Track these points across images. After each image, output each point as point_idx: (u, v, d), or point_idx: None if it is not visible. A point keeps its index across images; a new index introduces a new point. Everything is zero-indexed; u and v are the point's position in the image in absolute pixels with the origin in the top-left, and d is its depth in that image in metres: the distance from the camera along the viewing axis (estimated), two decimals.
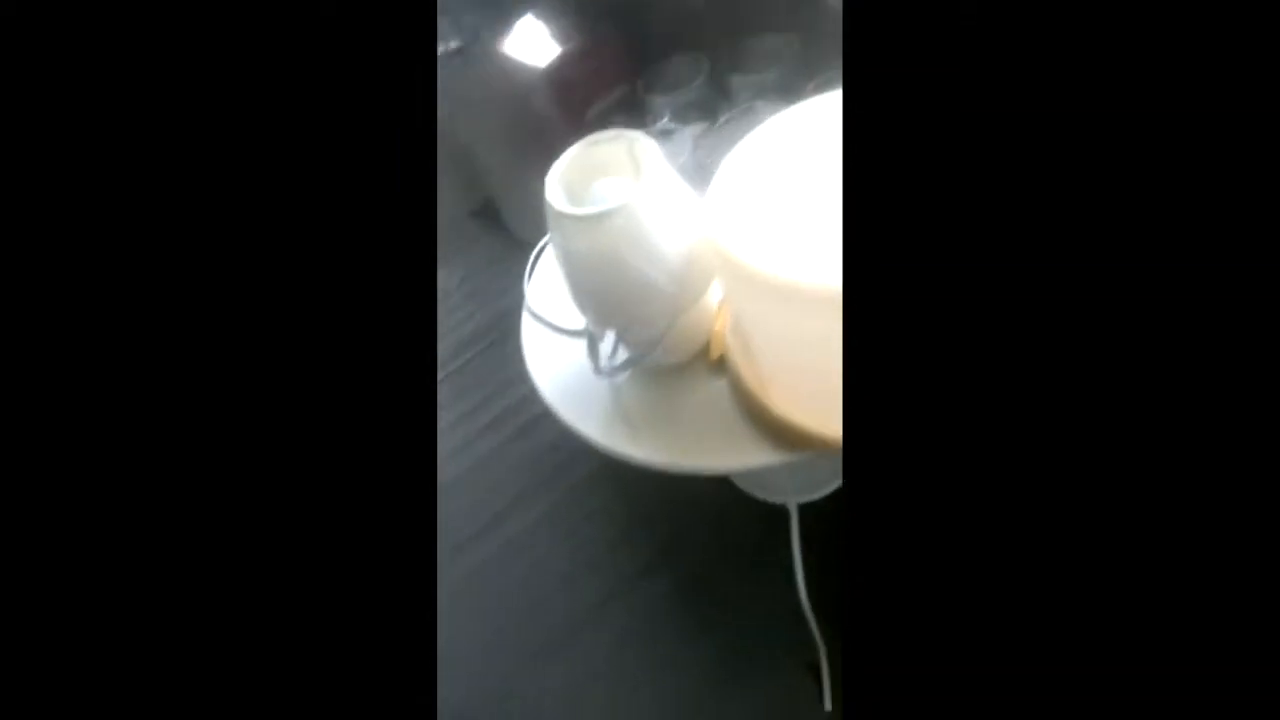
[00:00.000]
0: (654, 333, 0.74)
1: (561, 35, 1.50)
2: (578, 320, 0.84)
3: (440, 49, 1.94)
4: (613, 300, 0.71)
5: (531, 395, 1.94)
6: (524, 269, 2.35)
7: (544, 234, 2.33)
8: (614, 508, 1.65)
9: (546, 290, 1.06)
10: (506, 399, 2.03)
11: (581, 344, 0.86)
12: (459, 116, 2.10)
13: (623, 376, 0.84)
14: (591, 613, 1.48)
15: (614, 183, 0.74)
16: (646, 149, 0.71)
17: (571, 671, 1.43)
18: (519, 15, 1.69)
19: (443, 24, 1.94)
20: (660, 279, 0.69)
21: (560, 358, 0.95)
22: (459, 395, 2.09)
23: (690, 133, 1.05)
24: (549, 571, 1.61)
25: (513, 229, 2.41)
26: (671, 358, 0.82)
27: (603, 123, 1.56)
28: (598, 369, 0.80)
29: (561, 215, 0.70)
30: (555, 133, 1.62)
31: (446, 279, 2.46)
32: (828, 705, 1.04)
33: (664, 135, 1.05)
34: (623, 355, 0.78)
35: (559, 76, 1.45)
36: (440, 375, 2.16)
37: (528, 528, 1.73)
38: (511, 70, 1.61)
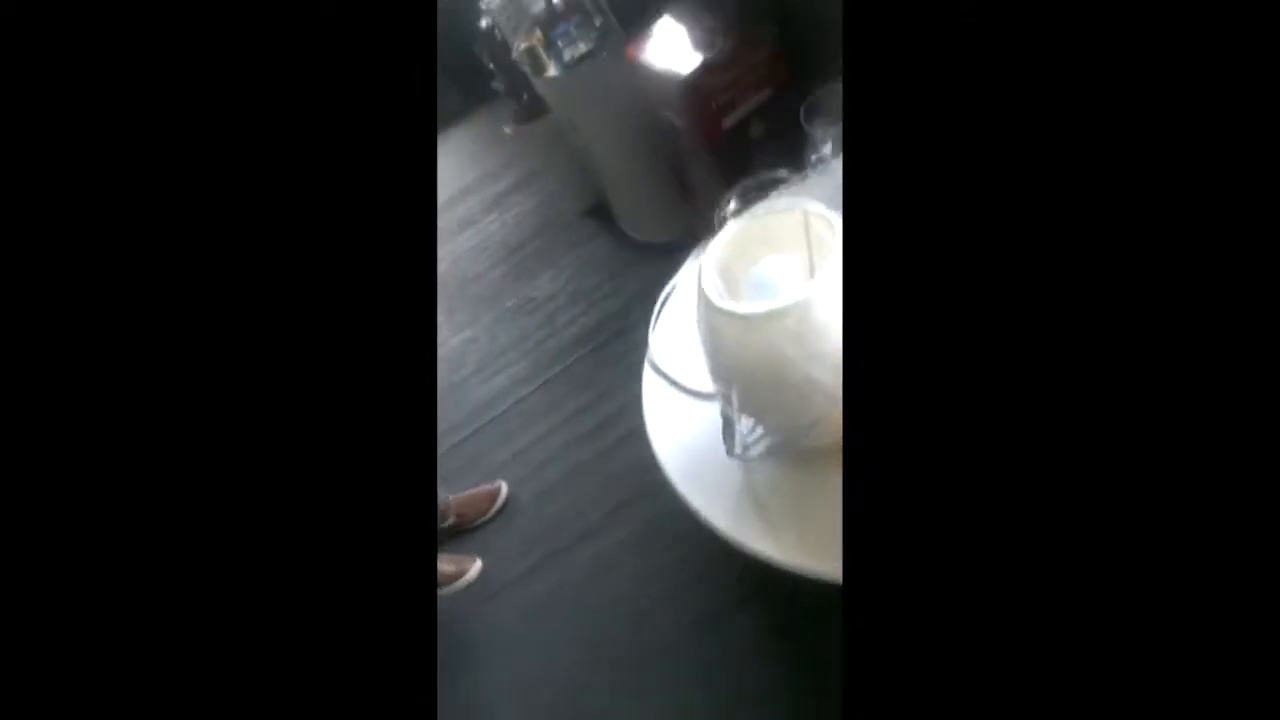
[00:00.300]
0: (805, 424, 0.64)
1: (702, 40, 1.39)
2: (706, 380, 0.75)
3: (568, 54, 1.86)
4: (764, 396, 0.61)
5: (633, 405, 1.89)
6: (635, 270, 2.28)
7: (658, 235, 2.21)
8: (705, 534, 1.56)
9: (671, 339, 0.97)
10: (607, 406, 1.96)
11: (708, 406, 0.77)
12: (581, 117, 2.03)
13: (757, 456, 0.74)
14: (684, 635, 1.42)
15: (781, 263, 0.63)
16: (826, 227, 0.59)
17: (658, 693, 1.38)
18: (654, 17, 1.58)
19: (570, 28, 1.86)
20: (825, 378, 0.58)
21: (684, 420, 0.86)
22: (561, 399, 2.04)
23: None
24: (641, 592, 1.55)
25: (626, 229, 2.34)
26: (821, 442, 0.72)
27: (742, 132, 1.44)
28: (732, 452, 0.71)
29: (719, 310, 0.60)
30: (688, 140, 1.52)
31: (553, 280, 2.41)
32: None
33: (822, 166, 0.93)
34: (764, 441, 0.68)
35: (699, 85, 1.34)
36: (542, 379, 2.13)
37: (621, 543, 1.68)
38: (644, 75, 1.52)
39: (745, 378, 0.60)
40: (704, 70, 1.32)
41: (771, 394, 0.61)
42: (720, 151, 1.43)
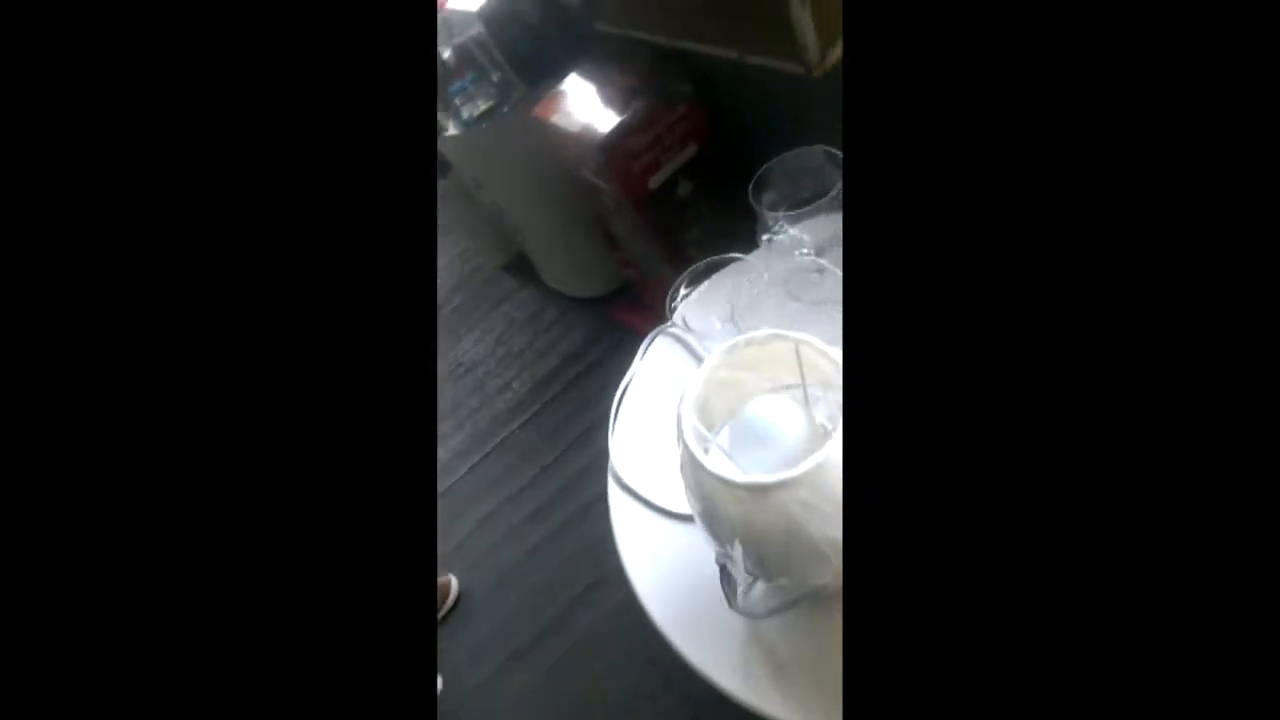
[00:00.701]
0: (822, 582, 0.54)
1: (615, 99, 1.29)
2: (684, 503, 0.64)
3: (466, 112, 1.73)
4: (773, 558, 0.51)
5: (584, 476, 1.76)
6: (564, 326, 2.15)
7: (585, 289, 2.08)
8: None
9: (633, 443, 0.86)
10: (555, 479, 1.81)
11: (694, 529, 0.66)
12: (488, 176, 1.89)
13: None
14: None
15: (774, 406, 0.53)
16: (817, 355, 0.50)
17: None
18: (559, 75, 1.48)
19: (467, 84, 1.73)
20: (841, 537, 0.49)
21: (664, 545, 0.75)
22: (505, 474, 1.88)
23: (811, 227, 0.83)
24: (618, 689, 1.41)
25: (550, 283, 2.21)
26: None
27: (669, 191, 1.35)
28: (734, 605, 0.60)
29: (713, 475, 0.49)
30: (612, 201, 1.42)
31: (479, 342, 2.25)
32: None
33: (776, 247, 0.84)
34: (773, 597, 0.58)
35: (619, 146, 1.24)
36: (480, 454, 1.96)
37: (591, 634, 1.51)
38: (557, 135, 1.40)
39: (751, 542, 0.49)
40: (623, 131, 1.22)
41: (782, 557, 0.50)
42: (647, 212, 1.34)
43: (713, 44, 0.97)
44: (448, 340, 2.28)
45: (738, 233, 1.04)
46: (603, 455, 1.82)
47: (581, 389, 1.94)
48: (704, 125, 1.30)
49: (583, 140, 1.27)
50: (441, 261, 2.57)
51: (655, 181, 1.32)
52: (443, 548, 1.78)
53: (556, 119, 1.36)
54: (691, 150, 1.33)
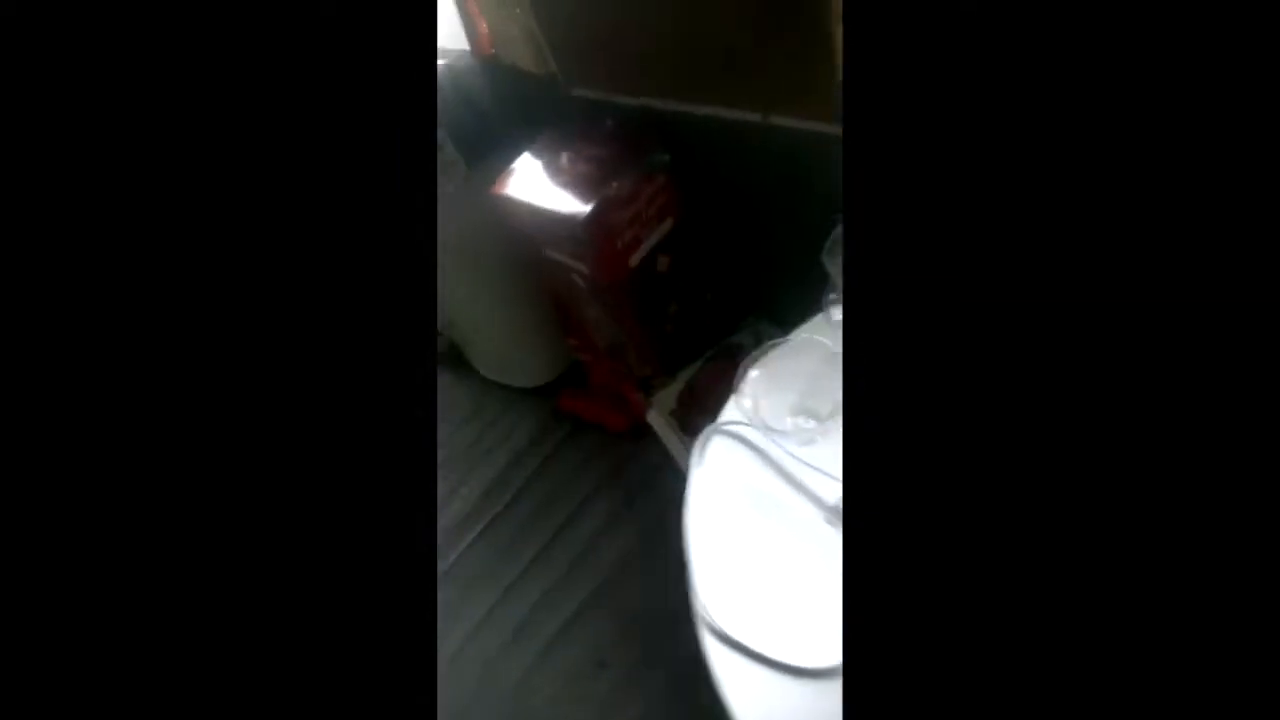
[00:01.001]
0: None
1: (585, 174, 1.17)
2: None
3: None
4: None
5: (563, 592, 1.53)
6: (507, 419, 1.94)
7: (534, 378, 1.89)
8: None
9: (720, 576, 0.69)
10: (524, 593, 1.58)
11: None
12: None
13: None
14: None
15: None
16: None
17: None
18: (510, 151, 1.35)
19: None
20: None
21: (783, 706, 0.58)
22: (463, 596, 1.61)
23: None
24: None
25: (488, 373, 2.00)
26: None
27: (649, 268, 1.23)
28: None
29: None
30: (588, 283, 1.28)
31: None
32: None
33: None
34: None
35: (603, 224, 1.11)
36: (440, 570, 1.69)
37: None
38: (522, 214, 1.26)
39: None
40: (606, 207, 1.10)
41: None
42: (628, 292, 1.21)
43: (727, 106, 0.88)
44: None
45: (719, 308, 0.95)
46: (579, 562, 1.61)
47: (538, 489, 1.74)
48: (679, 196, 1.21)
49: (559, 219, 1.13)
50: None
51: (635, 259, 1.20)
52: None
53: (523, 196, 1.22)
54: (668, 224, 1.23)
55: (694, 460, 0.74)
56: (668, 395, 1.35)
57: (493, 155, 1.44)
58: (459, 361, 2.05)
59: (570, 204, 1.11)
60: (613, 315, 1.27)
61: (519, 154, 1.30)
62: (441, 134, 1.44)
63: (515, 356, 1.83)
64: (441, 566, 1.67)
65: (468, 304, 1.70)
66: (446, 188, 1.47)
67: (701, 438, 0.76)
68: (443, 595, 1.62)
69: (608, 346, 1.44)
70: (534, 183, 1.21)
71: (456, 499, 1.78)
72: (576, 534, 1.59)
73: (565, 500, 1.65)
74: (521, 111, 1.41)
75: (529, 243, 1.29)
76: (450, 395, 2.05)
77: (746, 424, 0.74)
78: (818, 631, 0.57)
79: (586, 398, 1.75)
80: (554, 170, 1.20)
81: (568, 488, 1.67)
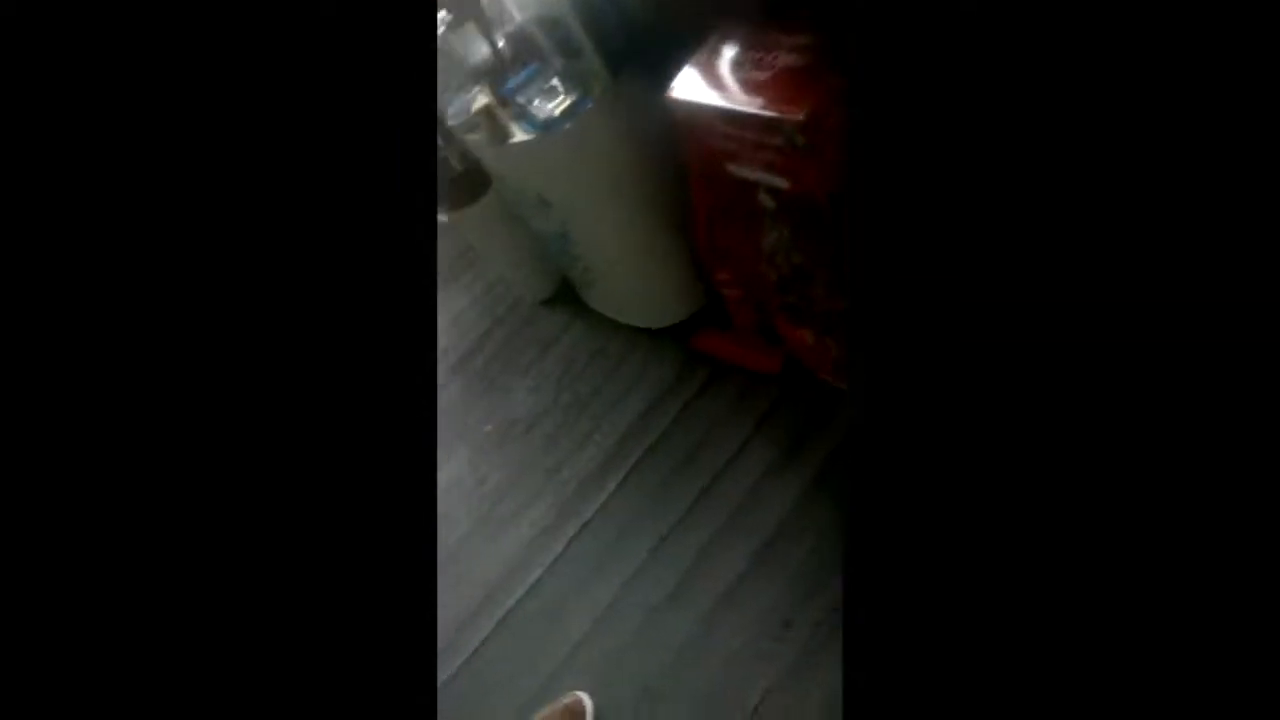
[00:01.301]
0: None
1: (780, 73, 0.98)
2: None
3: (543, 111, 1.37)
4: None
5: (720, 548, 1.41)
6: (635, 361, 1.80)
7: (663, 318, 1.73)
8: None
9: None
10: (682, 552, 1.47)
11: None
12: (560, 188, 1.51)
13: None
14: None
15: None
16: None
17: None
18: (666, 57, 1.16)
19: (523, 79, 1.36)
20: None
21: None
22: (610, 553, 1.45)
23: None
24: None
25: (612, 314, 1.82)
26: None
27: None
28: None
29: None
30: (786, 199, 1.11)
31: (534, 393, 1.82)
32: None
33: None
34: None
35: (823, 128, 0.93)
36: (577, 525, 1.58)
37: None
38: (696, 125, 1.09)
39: None
40: (827, 107, 0.91)
41: None
42: (836, 211, 1.03)
43: None
44: (493, 396, 1.90)
45: None
46: (742, 512, 1.47)
47: (683, 435, 1.60)
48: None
49: (767, 124, 0.95)
50: (460, 304, 2.19)
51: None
52: (555, 652, 1.40)
53: (709, 100, 1.03)
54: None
55: None
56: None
57: (643, 61, 1.26)
58: (571, 300, 1.91)
59: (781, 105, 0.93)
60: (811, 238, 1.10)
61: (681, 56, 1.11)
62: (581, 39, 1.25)
63: (651, 294, 1.67)
64: (583, 515, 1.57)
65: (608, 237, 1.54)
66: (587, 103, 1.30)
67: None
68: (588, 544, 1.53)
69: (779, 279, 1.27)
70: (722, 84, 1.02)
71: (590, 444, 1.67)
72: (735, 484, 1.46)
73: (716, 446, 1.52)
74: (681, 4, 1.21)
75: (705, 159, 1.12)
76: (568, 338, 1.92)
77: None
78: None
79: (729, 337, 1.60)
80: (747, 68, 1.01)
81: (717, 433, 1.54)
